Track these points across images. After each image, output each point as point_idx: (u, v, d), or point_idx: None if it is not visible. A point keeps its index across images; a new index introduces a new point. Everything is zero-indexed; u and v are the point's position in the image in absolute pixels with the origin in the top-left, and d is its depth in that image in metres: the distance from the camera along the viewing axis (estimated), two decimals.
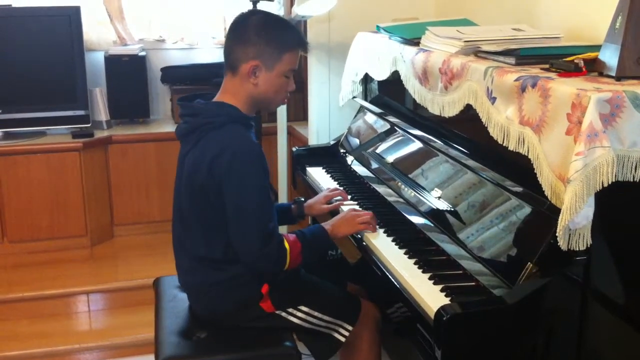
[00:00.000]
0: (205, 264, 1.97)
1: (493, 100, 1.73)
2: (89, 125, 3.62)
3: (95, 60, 3.84)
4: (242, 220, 1.86)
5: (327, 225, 2.03)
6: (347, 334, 1.99)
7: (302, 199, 2.34)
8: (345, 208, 2.20)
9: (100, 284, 3.24)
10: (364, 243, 2.02)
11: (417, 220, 2.02)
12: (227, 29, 1.96)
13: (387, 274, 1.84)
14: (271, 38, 1.91)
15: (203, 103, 1.98)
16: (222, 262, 1.94)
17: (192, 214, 1.96)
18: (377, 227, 2.06)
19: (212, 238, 1.93)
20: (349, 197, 2.33)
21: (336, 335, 1.99)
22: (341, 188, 2.40)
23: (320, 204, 2.30)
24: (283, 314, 1.98)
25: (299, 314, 1.97)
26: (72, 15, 3.50)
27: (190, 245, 1.99)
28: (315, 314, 1.98)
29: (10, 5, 3.54)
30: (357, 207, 2.23)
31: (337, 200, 2.30)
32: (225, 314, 1.99)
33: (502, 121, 1.68)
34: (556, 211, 1.44)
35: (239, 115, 1.93)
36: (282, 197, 3.41)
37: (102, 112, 3.76)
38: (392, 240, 1.98)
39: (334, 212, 2.25)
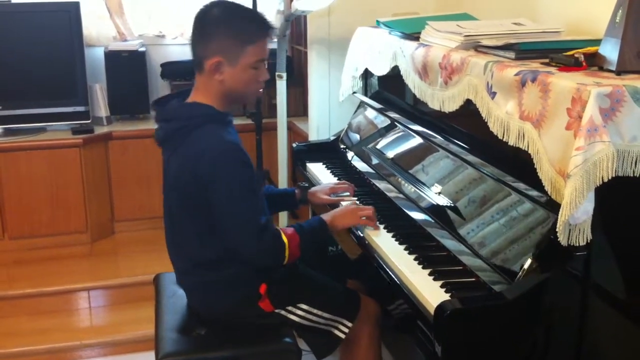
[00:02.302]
0: (200, 266, 1.96)
1: (493, 95, 1.72)
2: (89, 121, 3.62)
3: (95, 56, 3.84)
4: (233, 221, 1.85)
5: (326, 216, 2.01)
6: (346, 330, 1.98)
7: (306, 185, 2.31)
8: (345, 204, 2.19)
9: (100, 280, 3.24)
10: (364, 238, 2.02)
11: (417, 216, 2.01)
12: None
13: (387, 269, 1.83)
14: (232, 31, 1.84)
15: (176, 105, 1.94)
16: (217, 262, 1.93)
17: (182, 218, 1.94)
18: (377, 222, 2.05)
19: (204, 240, 1.92)
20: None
21: (336, 332, 1.99)
22: (350, 183, 2.35)
23: (323, 193, 2.27)
24: (282, 312, 1.97)
25: (299, 312, 1.97)
26: (72, 11, 3.49)
27: (184, 248, 1.98)
28: (315, 311, 1.97)
29: (10, 1, 3.53)
30: (358, 203, 2.22)
31: (343, 195, 2.28)
32: (224, 314, 1.98)
33: (502, 116, 1.67)
34: (556, 206, 1.44)
35: (212, 114, 1.89)
36: None
37: (102, 108, 3.76)
38: (392, 236, 1.97)
39: (334, 206, 2.24)
